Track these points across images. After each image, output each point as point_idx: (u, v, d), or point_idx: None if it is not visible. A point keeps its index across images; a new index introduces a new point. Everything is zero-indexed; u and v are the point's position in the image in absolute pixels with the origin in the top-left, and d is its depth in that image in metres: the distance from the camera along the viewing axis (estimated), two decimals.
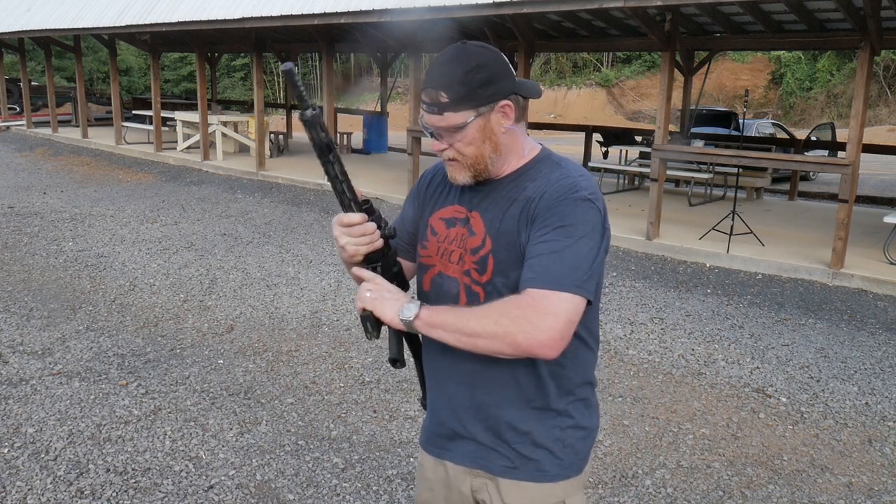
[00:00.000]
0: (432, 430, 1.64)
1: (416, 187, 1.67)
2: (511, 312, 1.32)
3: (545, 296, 1.31)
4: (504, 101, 1.42)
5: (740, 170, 8.91)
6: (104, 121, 18.41)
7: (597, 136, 13.72)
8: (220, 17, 10.72)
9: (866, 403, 4.14)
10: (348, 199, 1.46)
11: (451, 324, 1.36)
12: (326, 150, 1.41)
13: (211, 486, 3.13)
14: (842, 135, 12.15)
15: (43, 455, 3.34)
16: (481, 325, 1.33)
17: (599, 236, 1.40)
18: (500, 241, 1.45)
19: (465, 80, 1.38)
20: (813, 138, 13.60)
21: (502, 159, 1.48)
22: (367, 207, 1.48)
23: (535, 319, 1.29)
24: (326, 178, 1.45)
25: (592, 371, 1.57)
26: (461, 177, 1.48)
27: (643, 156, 11.48)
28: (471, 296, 1.49)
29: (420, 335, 1.51)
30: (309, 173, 11.73)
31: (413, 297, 1.44)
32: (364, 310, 1.44)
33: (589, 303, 1.37)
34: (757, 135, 13.51)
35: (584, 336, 1.51)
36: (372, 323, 1.44)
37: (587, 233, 1.37)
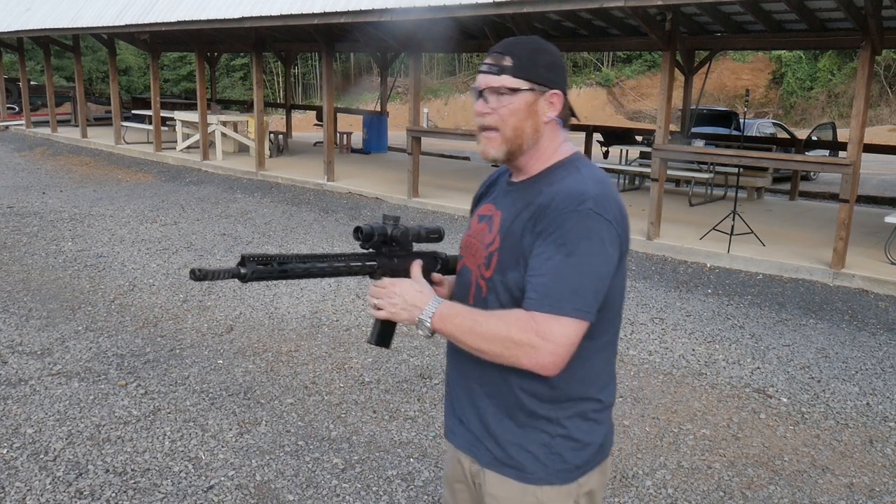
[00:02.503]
0: (446, 410, 1.71)
1: (476, 193, 1.74)
2: (514, 336, 1.38)
3: (546, 321, 1.37)
4: (555, 91, 1.49)
5: (741, 170, 8.90)
6: (103, 120, 18.41)
7: (597, 136, 13.71)
8: (219, 17, 10.71)
9: (867, 404, 4.13)
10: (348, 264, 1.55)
11: (458, 336, 1.45)
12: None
13: (210, 487, 3.12)
14: (843, 134, 12.14)
15: (42, 455, 3.33)
16: (488, 346, 1.41)
17: (610, 248, 1.40)
18: (507, 241, 1.49)
19: (532, 55, 1.47)
20: (814, 138, 13.59)
21: (537, 149, 1.51)
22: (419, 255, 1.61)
23: (538, 344, 1.37)
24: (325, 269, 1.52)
25: (602, 390, 1.55)
26: (494, 150, 1.51)
27: (643, 156, 11.46)
28: (477, 288, 1.55)
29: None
30: (308, 173, 11.72)
31: (425, 308, 1.48)
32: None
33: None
34: (758, 134, 13.50)
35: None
36: (386, 332, 1.56)
37: (592, 250, 1.38)
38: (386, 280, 1.53)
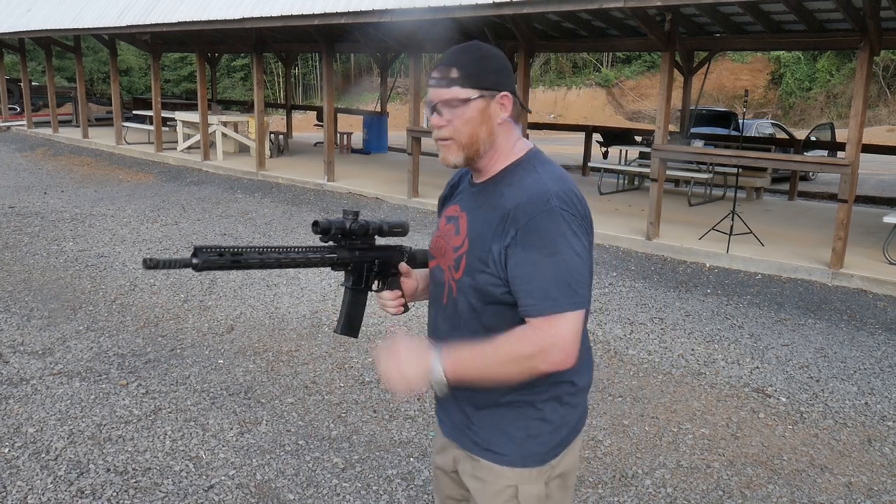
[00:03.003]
0: (435, 399, 1.75)
1: (442, 191, 1.79)
2: (525, 351, 1.44)
3: (550, 323, 1.43)
4: (504, 93, 1.53)
5: (740, 170, 8.92)
6: (104, 121, 18.41)
7: (597, 137, 13.73)
8: (220, 18, 10.72)
9: (866, 403, 4.14)
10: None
11: (476, 377, 1.48)
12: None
13: (211, 486, 3.13)
14: (841, 135, 12.14)
15: (43, 455, 3.34)
16: (506, 372, 1.46)
17: (583, 237, 1.47)
18: (475, 245, 1.54)
19: (477, 63, 1.52)
20: (812, 138, 13.60)
21: (494, 150, 1.56)
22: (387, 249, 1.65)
23: (549, 349, 1.43)
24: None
25: (576, 374, 1.59)
26: (454, 157, 1.56)
27: (643, 156, 11.48)
28: (449, 289, 1.61)
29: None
30: (309, 173, 11.74)
31: (433, 371, 1.49)
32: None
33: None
34: (756, 135, 13.51)
35: None
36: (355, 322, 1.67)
37: (570, 243, 1.44)
38: (381, 367, 1.52)
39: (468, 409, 1.61)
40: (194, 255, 1.39)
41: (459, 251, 1.57)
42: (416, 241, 7.73)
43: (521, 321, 1.49)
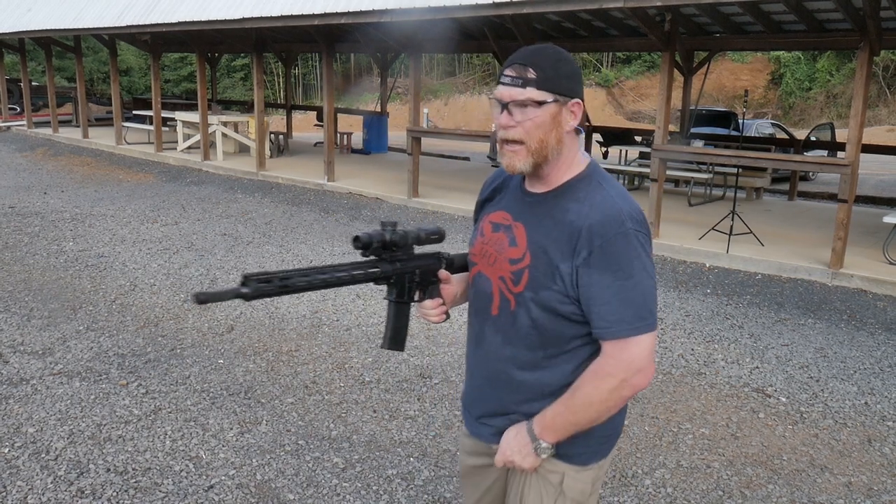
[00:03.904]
0: (472, 411, 1.75)
1: (479, 195, 1.76)
2: (610, 385, 1.47)
3: (624, 348, 1.46)
4: (576, 100, 1.50)
5: (740, 170, 8.91)
6: (104, 121, 18.42)
7: (597, 137, 13.72)
8: (220, 18, 10.73)
9: (866, 403, 4.15)
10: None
11: (573, 428, 1.52)
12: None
13: (211, 486, 3.14)
14: (841, 135, 12.15)
15: (43, 455, 3.34)
16: (598, 411, 1.50)
17: (651, 258, 1.50)
18: (540, 260, 1.51)
19: (554, 66, 1.47)
20: (812, 138, 13.60)
21: (560, 159, 1.53)
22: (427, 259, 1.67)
23: (630, 376, 1.46)
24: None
25: None
26: (521, 163, 1.51)
27: (643, 156, 11.48)
28: (503, 300, 1.58)
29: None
30: (309, 173, 11.74)
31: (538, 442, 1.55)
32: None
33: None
34: (756, 135, 13.51)
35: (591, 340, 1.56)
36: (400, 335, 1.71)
37: (644, 265, 1.46)
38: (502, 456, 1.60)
39: (514, 406, 1.62)
40: (243, 283, 1.37)
41: (519, 264, 1.54)
42: None
43: (580, 337, 1.53)
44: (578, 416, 1.50)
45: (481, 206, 1.73)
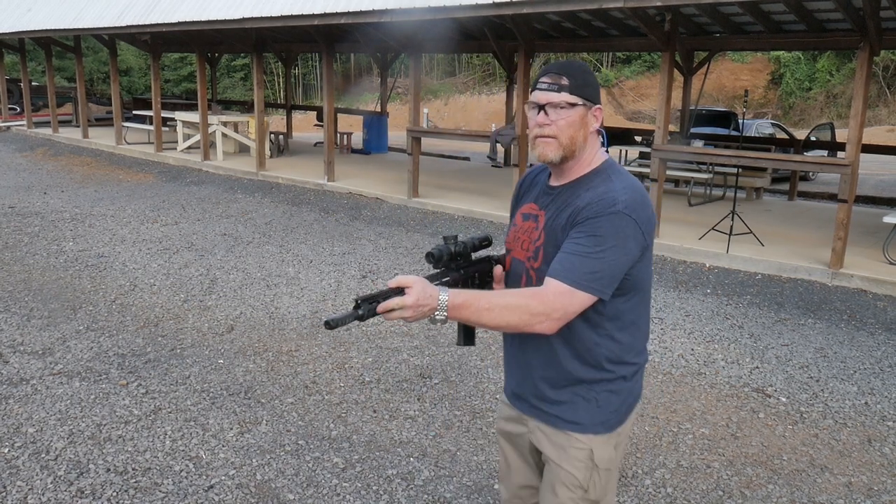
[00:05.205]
0: (507, 386, 2.00)
1: (514, 192, 2.03)
2: (533, 308, 1.63)
3: (562, 294, 1.64)
4: (599, 106, 1.80)
5: (740, 170, 8.91)
6: (104, 121, 18.41)
7: None
8: (220, 18, 10.72)
9: (866, 403, 4.15)
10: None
11: (474, 312, 1.61)
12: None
13: (211, 486, 3.14)
14: (841, 135, 12.15)
15: (43, 455, 3.34)
16: (503, 317, 1.63)
17: (632, 244, 1.67)
18: (550, 237, 1.78)
19: (583, 77, 1.77)
20: (812, 138, 13.60)
21: (582, 155, 1.80)
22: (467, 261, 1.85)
23: (550, 315, 1.64)
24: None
25: (638, 355, 1.86)
26: (552, 153, 1.77)
27: (643, 156, 11.48)
28: (528, 277, 1.83)
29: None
30: (309, 173, 11.74)
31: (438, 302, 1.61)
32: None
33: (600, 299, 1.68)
34: (756, 135, 13.51)
35: (610, 329, 1.76)
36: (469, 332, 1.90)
37: (616, 244, 1.65)
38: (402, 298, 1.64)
39: (544, 388, 1.83)
40: (357, 306, 1.55)
41: (537, 243, 1.80)
42: (415, 240, 7.74)
43: (590, 315, 1.71)
44: (490, 315, 1.61)
45: (516, 202, 1.99)
